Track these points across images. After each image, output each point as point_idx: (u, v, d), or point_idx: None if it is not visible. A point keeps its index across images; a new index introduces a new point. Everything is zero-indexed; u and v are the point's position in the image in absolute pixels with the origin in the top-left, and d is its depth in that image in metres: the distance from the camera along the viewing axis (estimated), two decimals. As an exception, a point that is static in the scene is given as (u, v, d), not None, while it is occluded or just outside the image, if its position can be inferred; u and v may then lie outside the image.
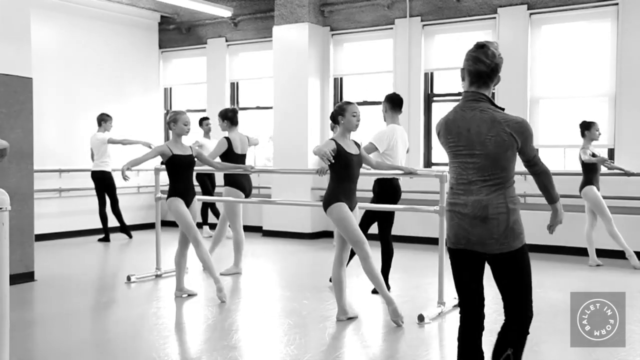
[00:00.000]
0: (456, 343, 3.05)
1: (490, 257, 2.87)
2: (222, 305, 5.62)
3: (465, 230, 2.83)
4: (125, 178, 5.62)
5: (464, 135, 2.84)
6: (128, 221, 10.28)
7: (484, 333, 3.05)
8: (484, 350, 3.05)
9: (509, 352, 2.89)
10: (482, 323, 3.02)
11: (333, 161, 4.73)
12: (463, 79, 2.94)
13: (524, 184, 8.42)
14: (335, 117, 4.95)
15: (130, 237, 9.80)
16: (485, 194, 2.79)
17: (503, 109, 2.88)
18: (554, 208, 3.00)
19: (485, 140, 2.79)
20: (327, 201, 4.86)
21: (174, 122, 5.75)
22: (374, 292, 5.93)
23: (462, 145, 2.85)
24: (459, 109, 2.90)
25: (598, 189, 7.25)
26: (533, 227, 8.42)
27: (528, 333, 2.93)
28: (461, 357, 3.04)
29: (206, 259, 5.76)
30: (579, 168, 7.40)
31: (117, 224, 9.69)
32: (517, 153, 2.87)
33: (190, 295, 5.94)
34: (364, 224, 5.96)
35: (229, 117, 6.96)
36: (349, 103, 4.96)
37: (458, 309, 3.02)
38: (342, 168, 4.84)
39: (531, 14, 8.50)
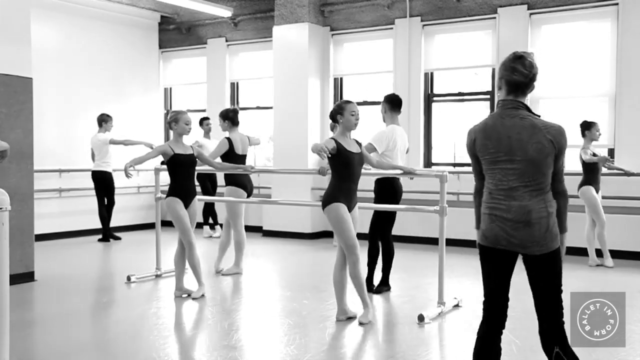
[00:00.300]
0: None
1: (528, 257, 2.96)
2: (222, 305, 5.62)
3: (508, 234, 2.92)
4: (128, 175, 5.58)
5: (504, 141, 2.92)
6: (128, 221, 10.29)
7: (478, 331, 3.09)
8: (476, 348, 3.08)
9: (556, 350, 2.99)
10: (505, 321, 3.09)
11: (329, 155, 4.74)
12: (500, 88, 3.02)
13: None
14: (334, 116, 4.95)
15: (117, 239, 9.70)
16: (527, 200, 2.89)
17: (539, 116, 2.97)
18: (561, 239, 3.02)
19: (526, 146, 2.87)
20: (326, 200, 4.86)
21: (175, 121, 5.75)
22: (376, 292, 5.94)
23: (502, 151, 2.92)
24: (497, 116, 2.98)
25: (598, 190, 7.25)
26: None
27: (564, 323, 3.01)
28: (479, 353, 3.08)
29: (196, 265, 5.80)
30: (579, 168, 7.40)
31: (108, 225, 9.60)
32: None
33: (190, 295, 5.94)
34: (375, 228, 5.99)
35: (230, 118, 6.97)
36: (347, 102, 4.97)
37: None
38: (343, 167, 4.85)
39: (531, 14, 8.50)
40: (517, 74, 2.93)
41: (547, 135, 2.87)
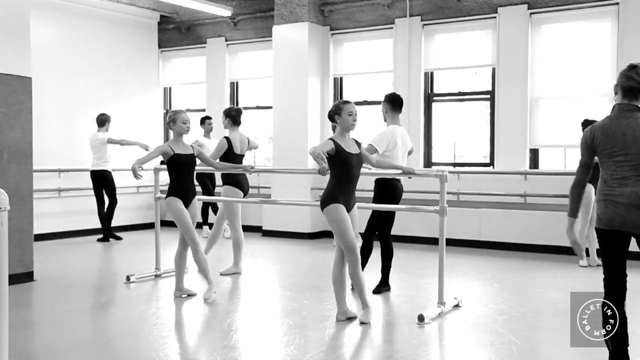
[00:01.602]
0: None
1: (638, 236, 3.38)
2: (222, 305, 5.62)
3: (621, 216, 3.35)
4: (137, 177, 5.61)
5: (619, 139, 3.39)
6: (128, 221, 10.29)
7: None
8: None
9: None
10: (625, 293, 3.44)
11: (325, 162, 4.72)
12: (616, 93, 3.51)
13: (524, 184, 8.43)
14: (332, 117, 4.95)
15: (118, 239, 9.71)
16: (639, 186, 3.32)
17: None
18: None
19: (639, 142, 3.32)
20: (325, 201, 4.85)
21: (173, 121, 5.77)
22: (375, 292, 5.93)
23: (617, 147, 3.39)
24: (614, 117, 3.45)
25: (596, 190, 7.23)
26: (532, 226, 8.46)
27: None
28: (606, 319, 3.41)
29: (202, 261, 5.77)
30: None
31: (109, 225, 9.59)
32: None
33: (190, 295, 5.94)
34: (372, 227, 5.97)
35: (232, 116, 6.98)
36: (345, 102, 4.96)
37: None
38: (341, 167, 4.84)
39: (531, 13, 8.50)
40: (632, 81, 3.39)
41: None
